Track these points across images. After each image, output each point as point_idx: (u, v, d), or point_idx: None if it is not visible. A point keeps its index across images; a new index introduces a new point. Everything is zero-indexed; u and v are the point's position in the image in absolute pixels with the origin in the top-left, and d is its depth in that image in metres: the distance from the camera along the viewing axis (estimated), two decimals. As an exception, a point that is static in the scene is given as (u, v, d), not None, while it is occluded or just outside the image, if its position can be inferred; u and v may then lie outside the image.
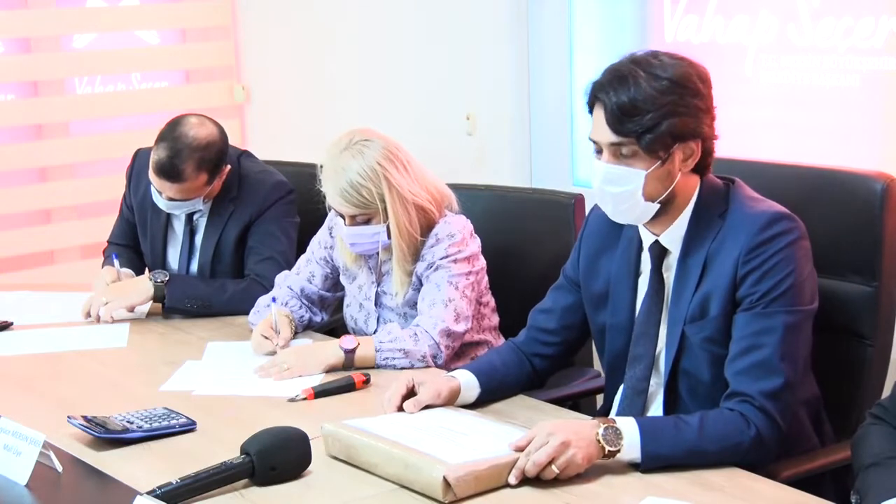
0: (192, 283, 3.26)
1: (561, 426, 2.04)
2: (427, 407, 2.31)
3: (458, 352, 2.81)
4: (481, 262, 2.85)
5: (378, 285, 2.92)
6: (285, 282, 3.03)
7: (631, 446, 2.04)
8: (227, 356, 2.85)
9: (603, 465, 2.05)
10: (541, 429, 2.05)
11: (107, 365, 2.84)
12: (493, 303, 2.94)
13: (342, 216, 2.79)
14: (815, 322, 2.21)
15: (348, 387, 2.55)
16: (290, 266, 3.12)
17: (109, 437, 2.23)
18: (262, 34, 5.25)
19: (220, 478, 2.00)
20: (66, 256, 4.99)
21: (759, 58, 3.62)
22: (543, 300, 2.54)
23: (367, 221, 2.78)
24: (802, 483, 2.08)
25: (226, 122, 3.48)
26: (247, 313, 3.07)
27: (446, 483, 1.94)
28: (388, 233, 2.78)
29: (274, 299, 2.92)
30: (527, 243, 3.10)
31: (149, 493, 1.89)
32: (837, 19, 3.40)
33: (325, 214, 2.96)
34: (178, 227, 3.38)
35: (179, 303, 3.19)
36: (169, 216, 3.36)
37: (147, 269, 3.39)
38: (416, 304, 2.81)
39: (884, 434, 2.03)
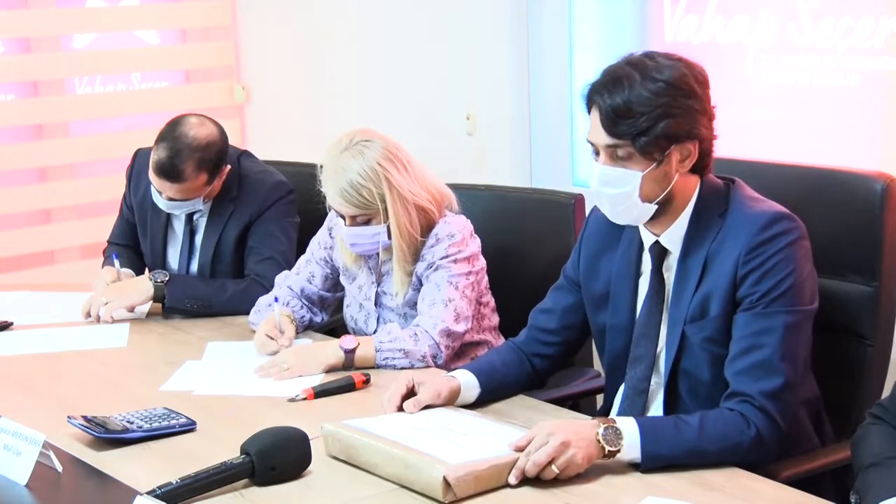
0: (192, 283, 3.25)
1: (561, 426, 2.04)
2: (427, 407, 2.30)
3: (458, 352, 2.81)
4: (481, 262, 2.85)
5: (378, 285, 2.92)
6: (285, 282, 3.03)
7: (631, 446, 2.04)
8: (227, 356, 2.85)
9: (603, 465, 2.05)
10: (541, 429, 2.05)
11: (107, 365, 2.84)
12: (493, 303, 2.94)
13: (342, 216, 2.79)
14: (815, 322, 2.21)
15: (348, 387, 2.55)
16: (290, 266, 3.12)
17: (109, 437, 2.23)
18: (262, 34, 5.25)
19: (220, 478, 2.00)
20: (66, 256, 4.98)
21: (759, 58, 3.62)
22: (544, 300, 2.54)
23: (368, 222, 2.78)
24: (802, 483, 2.08)
25: (226, 122, 3.48)
26: (247, 313, 3.07)
27: (446, 483, 1.94)
28: (389, 233, 2.78)
29: (276, 299, 2.92)
30: (527, 243, 3.09)
31: (149, 493, 1.89)
32: (837, 19, 3.40)
33: (325, 214, 2.96)
34: (178, 227, 3.37)
35: (179, 303, 3.19)
36: (169, 216, 3.36)
37: (147, 269, 3.39)
38: (416, 304, 2.81)
39: (884, 434, 2.03)
